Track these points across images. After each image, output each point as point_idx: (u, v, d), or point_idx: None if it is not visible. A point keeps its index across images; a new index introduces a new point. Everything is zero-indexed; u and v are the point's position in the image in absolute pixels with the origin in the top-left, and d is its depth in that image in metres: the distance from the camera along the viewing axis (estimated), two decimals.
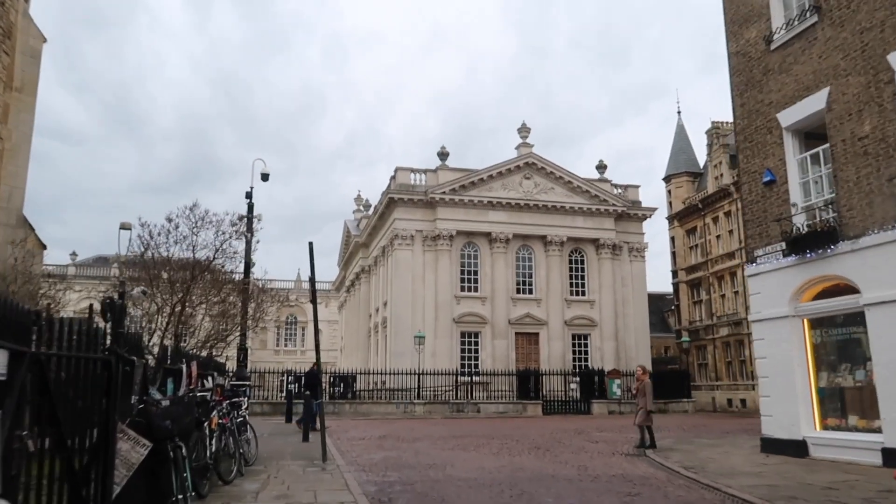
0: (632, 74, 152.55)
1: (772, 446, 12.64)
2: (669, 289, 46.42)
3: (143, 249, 17.39)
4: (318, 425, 14.22)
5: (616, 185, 41.17)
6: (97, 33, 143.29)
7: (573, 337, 38.21)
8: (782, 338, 12.64)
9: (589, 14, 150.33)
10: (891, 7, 10.89)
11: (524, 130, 39.74)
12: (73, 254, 59.34)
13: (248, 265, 18.72)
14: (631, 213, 40.31)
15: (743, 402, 36.14)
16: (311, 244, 11.97)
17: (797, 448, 12.01)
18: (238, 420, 10.14)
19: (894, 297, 10.38)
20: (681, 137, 45.31)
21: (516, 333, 37.13)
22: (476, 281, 37.38)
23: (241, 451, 9.72)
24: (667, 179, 45.09)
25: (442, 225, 36.69)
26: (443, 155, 38.26)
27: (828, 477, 9.70)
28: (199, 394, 7.62)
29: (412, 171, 38.11)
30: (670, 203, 44.48)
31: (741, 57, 14.36)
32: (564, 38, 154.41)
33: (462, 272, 37.33)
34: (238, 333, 18.74)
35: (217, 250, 18.00)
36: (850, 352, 11.81)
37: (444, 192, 36.79)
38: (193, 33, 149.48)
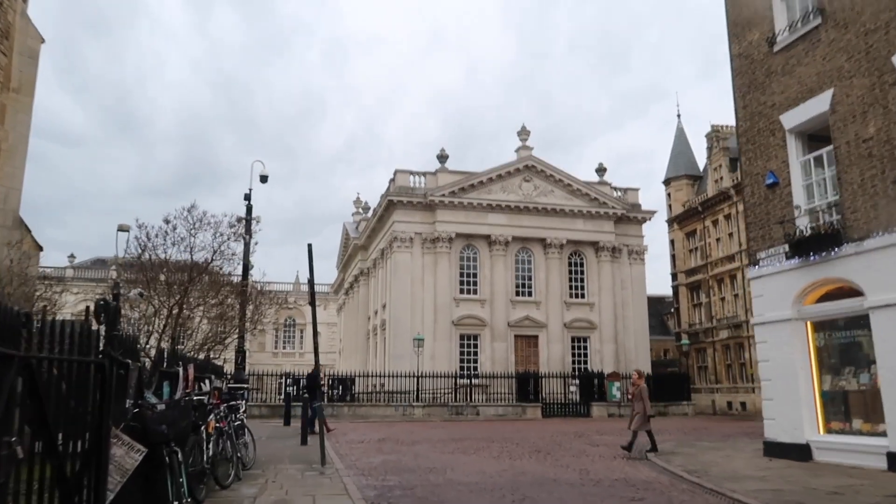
0: (632, 77, 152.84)
1: (775, 450, 12.53)
2: (668, 292, 46.37)
3: (140, 251, 17.26)
4: (316, 428, 14.10)
5: (616, 188, 41.12)
6: (97, 35, 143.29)
7: (572, 339, 38.10)
8: (785, 341, 12.54)
9: (589, 17, 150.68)
10: None
11: (524, 133, 39.68)
12: (72, 256, 59.16)
13: (247, 267, 18.61)
14: (630, 215, 40.24)
15: (743, 405, 36.04)
16: (310, 246, 11.88)
17: (800, 452, 11.90)
18: (236, 423, 10.01)
19: None
20: (680, 140, 45.29)
21: (515, 336, 37.01)
22: (475, 283, 37.27)
23: (238, 454, 9.59)
24: (666, 182, 45.06)
25: (441, 227, 36.59)
26: (442, 157, 38.18)
27: (832, 481, 9.59)
28: (195, 397, 7.49)
29: (411, 173, 38.02)
30: (670, 206, 44.44)
31: (743, 59, 14.28)
32: (564, 41, 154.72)
33: (461, 275, 37.22)
34: (236, 336, 18.60)
35: (215, 252, 17.87)
36: (854, 355, 11.71)
37: (443, 195, 36.70)
38: (194, 35, 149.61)
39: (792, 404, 12.29)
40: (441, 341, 35.34)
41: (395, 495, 8.79)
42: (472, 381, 32.78)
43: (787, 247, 12.51)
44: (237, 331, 18.56)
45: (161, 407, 5.57)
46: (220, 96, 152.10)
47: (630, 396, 15.89)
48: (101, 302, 4.65)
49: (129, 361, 4.98)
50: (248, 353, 26.12)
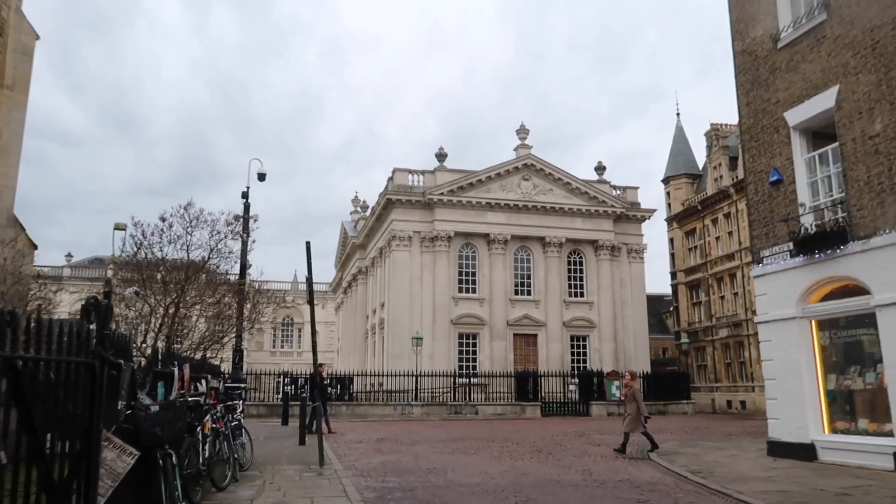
0: (630, 77, 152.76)
1: (779, 450, 12.39)
2: (667, 290, 46.24)
3: (135, 249, 17.04)
4: (314, 428, 13.93)
5: (615, 187, 40.99)
6: (95, 35, 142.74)
7: (572, 338, 37.97)
8: (790, 340, 12.39)
9: (587, 17, 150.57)
10: None
11: (523, 132, 39.51)
12: (69, 255, 58.84)
13: (244, 266, 18.41)
14: (630, 214, 40.12)
15: (743, 403, 35.93)
16: (308, 244, 11.71)
17: (805, 452, 11.76)
18: (233, 424, 9.84)
19: None
20: (680, 139, 45.14)
21: (515, 335, 36.86)
22: (474, 282, 37.11)
23: (235, 455, 9.42)
24: (665, 181, 44.91)
25: (440, 226, 36.41)
26: (441, 156, 37.99)
27: (840, 482, 9.45)
28: (191, 398, 7.31)
29: (410, 172, 37.84)
30: (669, 205, 44.29)
31: (747, 56, 14.12)
32: (563, 41, 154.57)
33: (460, 273, 37.05)
34: (234, 335, 18.41)
35: (212, 250, 17.66)
36: (859, 354, 11.56)
37: (442, 194, 36.52)
38: (192, 35, 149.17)
39: (796, 404, 12.15)
40: (440, 340, 35.18)
41: (396, 497, 8.63)
42: (471, 380, 32.62)
43: (791, 245, 12.37)
44: (234, 330, 18.36)
45: (155, 408, 5.39)
46: (219, 96, 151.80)
47: (622, 397, 15.75)
48: (92, 300, 4.47)
49: (121, 362, 4.81)
50: (245, 353, 25.95)
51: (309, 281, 11.75)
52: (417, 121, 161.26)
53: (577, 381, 32.90)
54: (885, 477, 9.79)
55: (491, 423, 25.89)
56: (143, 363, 7.65)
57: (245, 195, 18.76)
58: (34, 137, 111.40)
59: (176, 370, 6.80)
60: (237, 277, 18.67)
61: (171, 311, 16.30)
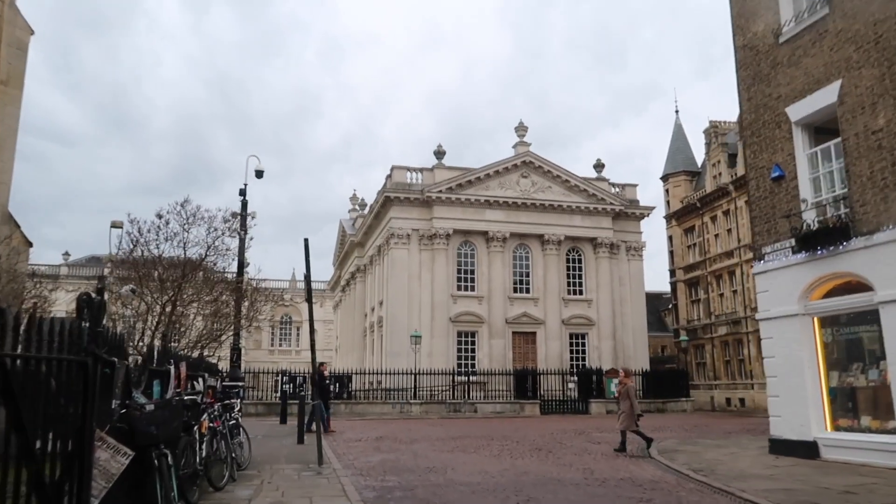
0: (628, 76, 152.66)
1: (781, 447, 12.31)
2: (666, 288, 46.18)
3: (131, 246, 16.89)
4: (313, 427, 13.83)
5: (614, 184, 40.87)
6: (94, 35, 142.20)
7: (571, 336, 37.89)
8: (791, 337, 12.31)
9: (585, 15, 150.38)
10: None
11: (521, 129, 39.38)
12: (66, 254, 58.61)
13: (242, 263, 18.28)
14: (629, 212, 40.03)
15: (742, 401, 35.90)
16: (306, 240, 11.62)
17: (807, 449, 11.68)
18: (230, 423, 9.73)
19: None
20: (678, 136, 45.04)
21: (513, 333, 36.77)
22: (473, 280, 37.00)
23: (233, 455, 9.31)
24: (664, 178, 44.82)
25: (438, 224, 36.29)
26: (439, 153, 37.85)
27: (843, 480, 9.37)
28: (188, 396, 7.19)
29: (408, 169, 37.70)
30: (668, 202, 44.21)
31: (748, 51, 14.02)
32: (560, 40, 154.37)
33: (459, 271, 36.94)
34: (231, 333, 18.28)
35: (209, 247, 17.52)
36: (862, 351, 11.49)
37: (440, 191, 36.38)
38: (190, 34, 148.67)
39: (798, 401, 12.07)
40: (438, 338, 35.07)
41: (396, 496, 8.52)
42: (470, 378, 32.52)
43: (793, 241, 12.27)
44: (232, 328, 18.23)
45: (150, 407, 5.27)
46: (217, 94, 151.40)
47: (617, 395, 15.65)
48: (84, 296, 4.35)
49: (115, 360, 4.69)
50: (243, 351, 25.81)
51: (307, 277, 11.64)
52: (415, 119, 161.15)
53: (576, 378, 32.85)
54: (888, 475, 9.70)
55: (490, 421, 25.81)
56: (139, 361, 7.54)
57: (243, 192, 18.64)
58: (32, 136, 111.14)
59: (172, 368, 6.68)
60: (234, 275, 18.54)
61: (168, 309, 16.17)
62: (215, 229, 17.61)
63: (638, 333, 39.35)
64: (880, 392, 10.97)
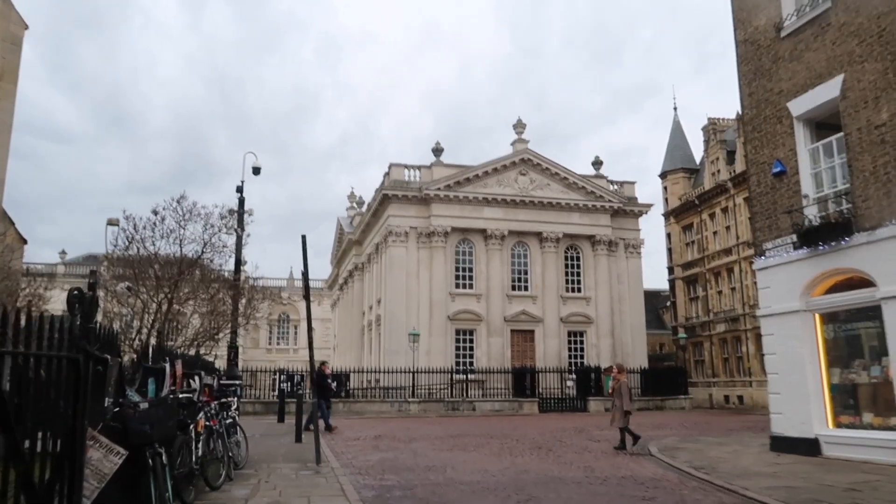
0: (625, 74, 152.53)
1: (782, 445, 12.23)
2: (664, 286, 46.15)
3: (127, 243, 16.74)
4: (311, 425, 13.71)
5: (612, 182, 40.81)
6: (91, 33, 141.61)
7: (569, 334, 37.83)
8: (793, 333, 12.22)
9: (582, 13, 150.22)
10: None
11: (519, 126, 39.26)
12: (63, 252, 58.42)
13: (239, 261, 18.14)
14: (627, 209, 39.96)
15: (740, 398, 35.89)
16: (304, 237, 11.51)
17: (809, 447, 11.60)
18: (227, 421, 9.60)
19: None
20: (677, 134, 44.98)
21: (512, 331, 36.70)
22: (471, 278, 36.91)
23: (230, 454, 9.18)
24: (663, 176, 44.76)
25: (436, 221, 36.17)
26: (437, 151, 37.72)
27: (846, 477, 9.29)
28: (183, 395, 7.07)
29: (406, 167, 37.57)
30: (666, 199, 44.15)
31: (749, 45, 13.92)
32: (558, 37, 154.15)
33: (457, 269, 36.83)
34: (229, 331, 18.15)
35: (206, 244, 17.37)
36: (864, 347, 11.41)
37: (438, 189, 36.26)
38: (187, 32, 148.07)
39: (800, 398, 11.99)
40: (437, 336, 34.98)
41: (395, 496, 8.41)
42: (469, 376, 32.42)
43: (794, 237, 12.19)
44: (229, 326, 18.10)
45: (144, 405, 5.15)
46: (214, 93, 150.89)
47: (610, 391, 15.53)
48: (75, 292, 4.23)
49: (108, 357, 4.56)
50: (241, 349, 25.66)
51: (305, 275, 11.51)
52: (414, 118, 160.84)
53: (574, 376, 32.79)
54: (891, 472, 9.63)
55: (489, 419, 25.73)
56: (134, 359, 7.42)
57: (240, 189, 18.51)
58: (28, 134, 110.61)
59: (167, 366, 6.56)
60: (231, 273, 18.41)
61: (164, 306, 16.02)
62: (212, 226, 17.48)
63: (636, 331, 39.32)
64: (882, 388, 10.89)
